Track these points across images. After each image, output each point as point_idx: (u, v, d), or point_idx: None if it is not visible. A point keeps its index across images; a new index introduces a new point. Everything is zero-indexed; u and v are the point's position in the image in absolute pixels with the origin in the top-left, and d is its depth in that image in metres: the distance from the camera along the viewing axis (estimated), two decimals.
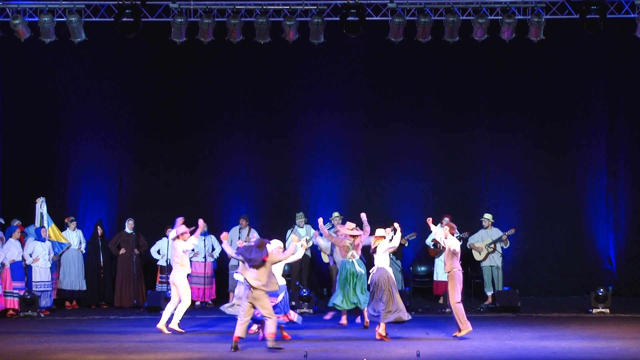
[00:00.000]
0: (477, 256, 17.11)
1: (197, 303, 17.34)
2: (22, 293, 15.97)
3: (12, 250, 16.15)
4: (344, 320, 14.59)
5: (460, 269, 13.43)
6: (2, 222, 17.11)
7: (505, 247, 17.18)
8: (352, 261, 14.32)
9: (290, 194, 18.87)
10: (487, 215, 17.31)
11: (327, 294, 18.18)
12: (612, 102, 18.77)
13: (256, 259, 12.28)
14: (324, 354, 11.89)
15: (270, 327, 12.22)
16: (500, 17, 16.13)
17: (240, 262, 12.90)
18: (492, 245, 17.02)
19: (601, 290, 15.88)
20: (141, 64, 18.75)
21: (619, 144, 18.77)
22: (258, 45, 16.54)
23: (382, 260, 13.33)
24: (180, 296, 14.01)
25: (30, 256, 16.28)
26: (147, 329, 14.29)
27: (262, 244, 12.43)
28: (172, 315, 14.01)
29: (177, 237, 14.14)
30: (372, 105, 18.89)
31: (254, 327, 13.21)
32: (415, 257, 18.43)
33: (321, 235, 15.20)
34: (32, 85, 18.77)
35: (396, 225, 13.61)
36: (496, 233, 17.16)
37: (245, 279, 12.41)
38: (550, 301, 17.48)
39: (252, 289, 12.29)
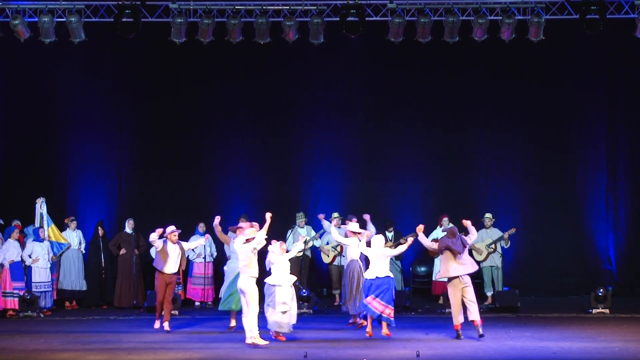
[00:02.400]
0: (478, 256, 17.09)
1: (197, 303, 17.37)
2: (21, 293, 15.97)
3: (11, 251, 16.15)
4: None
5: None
6: (2, 222, 17.10)
7: (506, 247, 17.19)
8: None
9: (290, 194, 18.86)
10: (488, 215, 17.32)
11: (326, 294, 18.21)
12: (612, 102, 18.77)
13: (461, 251, 13.08)
14: (324, 354, 11.89)
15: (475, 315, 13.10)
16: (500, 18, 16.12)
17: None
18: (493, 246, 17.02)
19: (601, 290, 15.88)
20: (141, 64, 18.74)
21: (619, 144, 18.76)
22: (258, 46, 16.54)
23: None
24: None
25: (30, 257, 16.29)
26: (146, 329, 14.29)
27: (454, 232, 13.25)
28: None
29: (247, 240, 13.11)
30: (371, 105, 18.88)
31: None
32: (414, 258, 18.44)
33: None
34: (32, 85, 18.76)
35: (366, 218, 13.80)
36: (496, 233, 17.16)
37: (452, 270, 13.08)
38: (550, 301, 17.47)
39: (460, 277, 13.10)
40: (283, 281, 13.17)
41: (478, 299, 17.16)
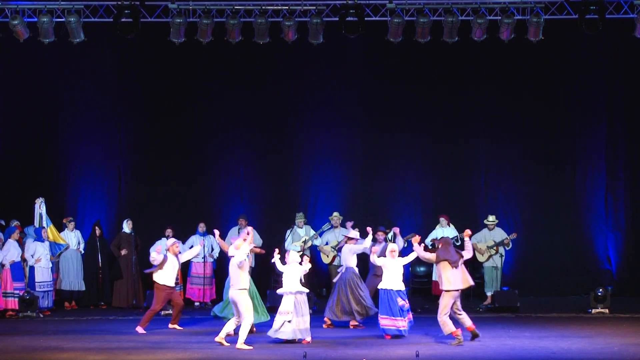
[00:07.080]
0: (480, 257, 17.08)
1: (197, 304, 17.38)
2: (21, 293, 15.97)
3: (11, 251, 16.16)
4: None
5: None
6: (2, 223, 17.09)
7: (508, 249, 17.19)
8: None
9: (289, 194, 18.86)
10: (491, 218, 17.27)
11: (326, 294, 18.17)
12: (611, 103, 18.78)
13: (457, 260, 12.77)
14: (324, 354, 11.90)
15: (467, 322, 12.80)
16: (499, 18, 16.11)
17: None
18: (495, 248, 16.99)
19: (600, 290, 15.89)
20: (140, 64, 18.74)
21: (619, 144, 18.78)
22: (257, 46, 16.53)
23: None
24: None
25: (32, 257, 16.29)
26: (146, 328, 14.26)
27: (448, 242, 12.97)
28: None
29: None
30: (371, 105, 18.89)
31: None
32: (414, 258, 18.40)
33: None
34: (32, 85, 18.77)
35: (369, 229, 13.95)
36: (498, 233, 17.12)
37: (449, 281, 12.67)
38: (549, 301, 17.48)
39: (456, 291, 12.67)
40: (288, 290, 13.08)
41: (478, 299, 17.30)
